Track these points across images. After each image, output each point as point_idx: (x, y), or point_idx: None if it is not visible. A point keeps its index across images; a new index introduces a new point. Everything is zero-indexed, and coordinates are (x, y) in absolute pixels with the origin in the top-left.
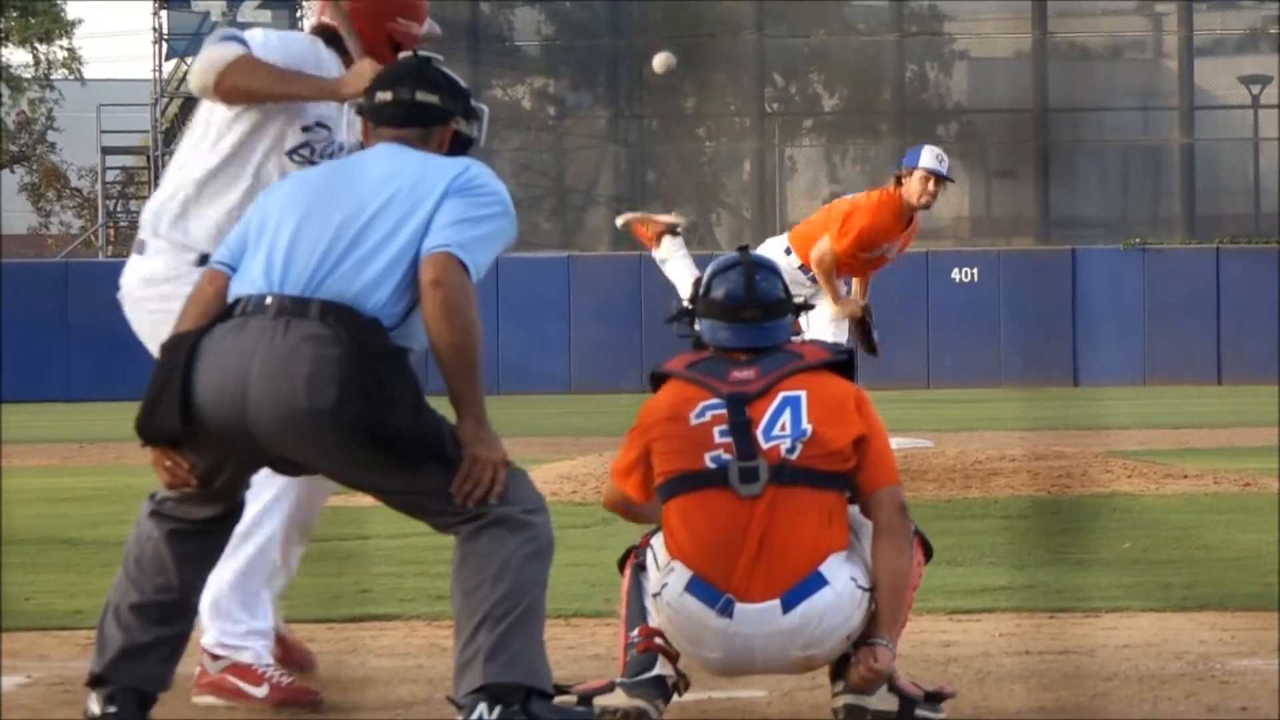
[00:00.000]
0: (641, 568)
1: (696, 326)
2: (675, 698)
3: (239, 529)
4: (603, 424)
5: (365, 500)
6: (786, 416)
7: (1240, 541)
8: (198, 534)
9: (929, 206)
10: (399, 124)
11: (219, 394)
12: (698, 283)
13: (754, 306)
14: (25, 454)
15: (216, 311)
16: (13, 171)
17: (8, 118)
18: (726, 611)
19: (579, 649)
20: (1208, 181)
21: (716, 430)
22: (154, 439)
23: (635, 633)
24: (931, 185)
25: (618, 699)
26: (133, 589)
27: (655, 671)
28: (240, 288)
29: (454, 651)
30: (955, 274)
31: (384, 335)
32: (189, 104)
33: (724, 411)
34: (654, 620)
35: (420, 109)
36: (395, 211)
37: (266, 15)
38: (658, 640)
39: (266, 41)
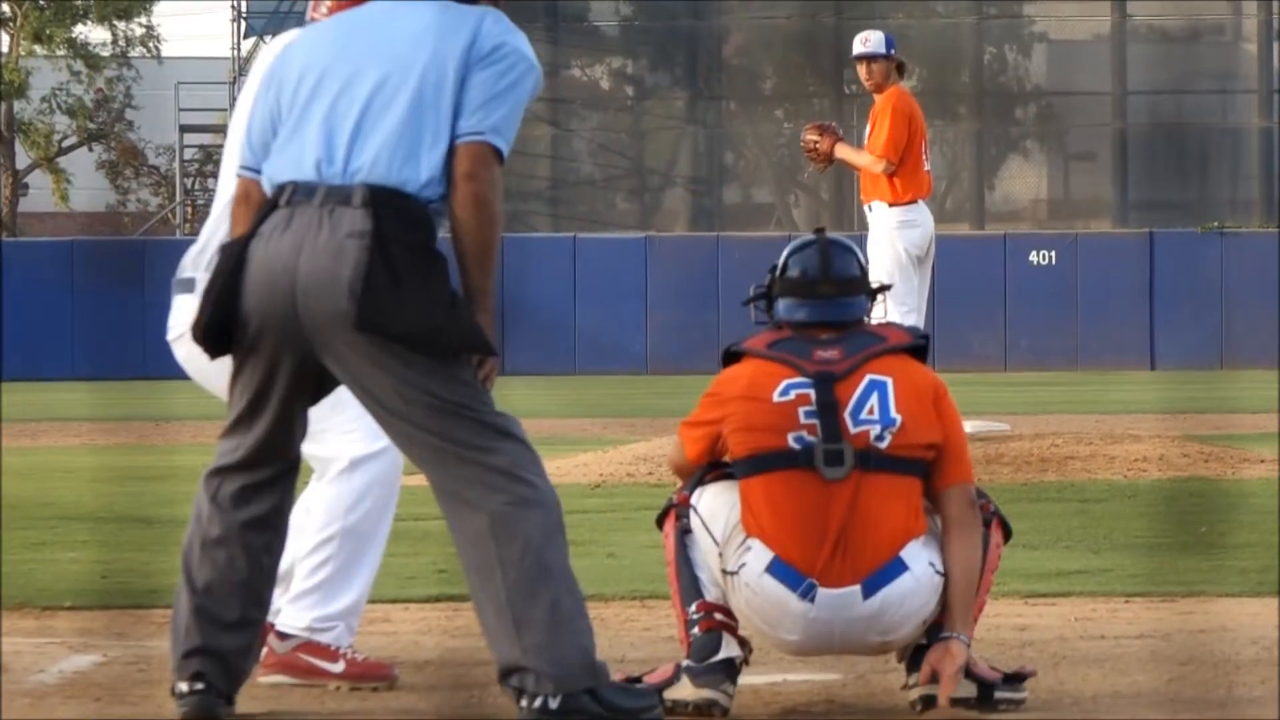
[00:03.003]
0: (686, 531)
1: (774, 311)
2: (742, 672)
3: (325, 511)
4: (679, 405)
5: None
6: (874, 401)
7: None
8: (255, 505)
9: (877, 89)
10: None
11: (270, 288)
12: (774, 267)
13: (829, 283)
14: (102, 432)
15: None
16: (91, 149)
17: (86, 95)
18: (809, 596)
19: (654, 630)
20: None
21: (801, 410)
22: (210, 338)
23: (694, 609)
24: (866, 69)
25: (685, 691)
26: (201, 569)
27: (722, 655)
28: (280, 169)
29: (494, 633)
30: (1033, 256)
31: (429, 231)
32: None
33: (809, 391)
34: (710, 593)
35: None
36: (422, 80)
37: None
38: (718, 616)
39: None
